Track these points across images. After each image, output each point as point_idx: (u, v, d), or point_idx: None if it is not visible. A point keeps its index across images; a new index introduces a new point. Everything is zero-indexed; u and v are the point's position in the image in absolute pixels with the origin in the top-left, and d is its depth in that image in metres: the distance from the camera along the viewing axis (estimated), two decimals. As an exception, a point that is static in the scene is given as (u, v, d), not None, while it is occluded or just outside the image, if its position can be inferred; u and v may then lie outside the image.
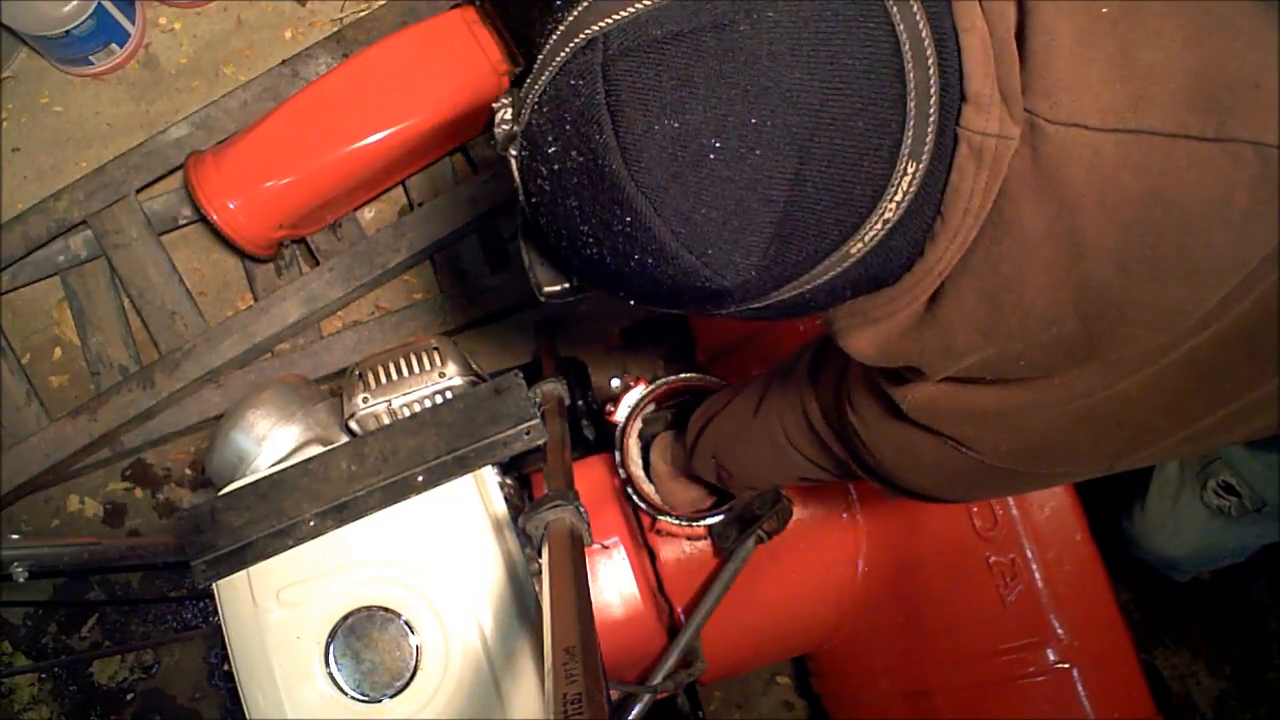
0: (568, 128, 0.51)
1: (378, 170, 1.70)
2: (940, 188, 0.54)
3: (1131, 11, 0.51)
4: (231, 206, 1.63)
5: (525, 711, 1.03)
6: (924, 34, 0.50)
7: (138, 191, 1.78)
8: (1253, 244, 0.52)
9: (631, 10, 0.49)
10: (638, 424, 1.44)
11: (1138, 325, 0.57)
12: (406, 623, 1.06)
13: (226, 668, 1.10)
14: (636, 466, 1.42)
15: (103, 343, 1.84)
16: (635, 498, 1.40)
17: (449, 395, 1.16)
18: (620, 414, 1.44)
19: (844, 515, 1.41)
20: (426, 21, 1.69)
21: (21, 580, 1.13)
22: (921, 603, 1.37)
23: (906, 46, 0.49)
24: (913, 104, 0.50)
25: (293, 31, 1.95)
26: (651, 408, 1.46)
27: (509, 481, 1.22)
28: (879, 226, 0.54)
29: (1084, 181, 0.51)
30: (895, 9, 0.49)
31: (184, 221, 1.85)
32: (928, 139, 0.52)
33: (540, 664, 1.00)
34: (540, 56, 0.53)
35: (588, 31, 0.50)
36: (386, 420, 1.16)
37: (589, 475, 1.45)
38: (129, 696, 1.98)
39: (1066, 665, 1.24)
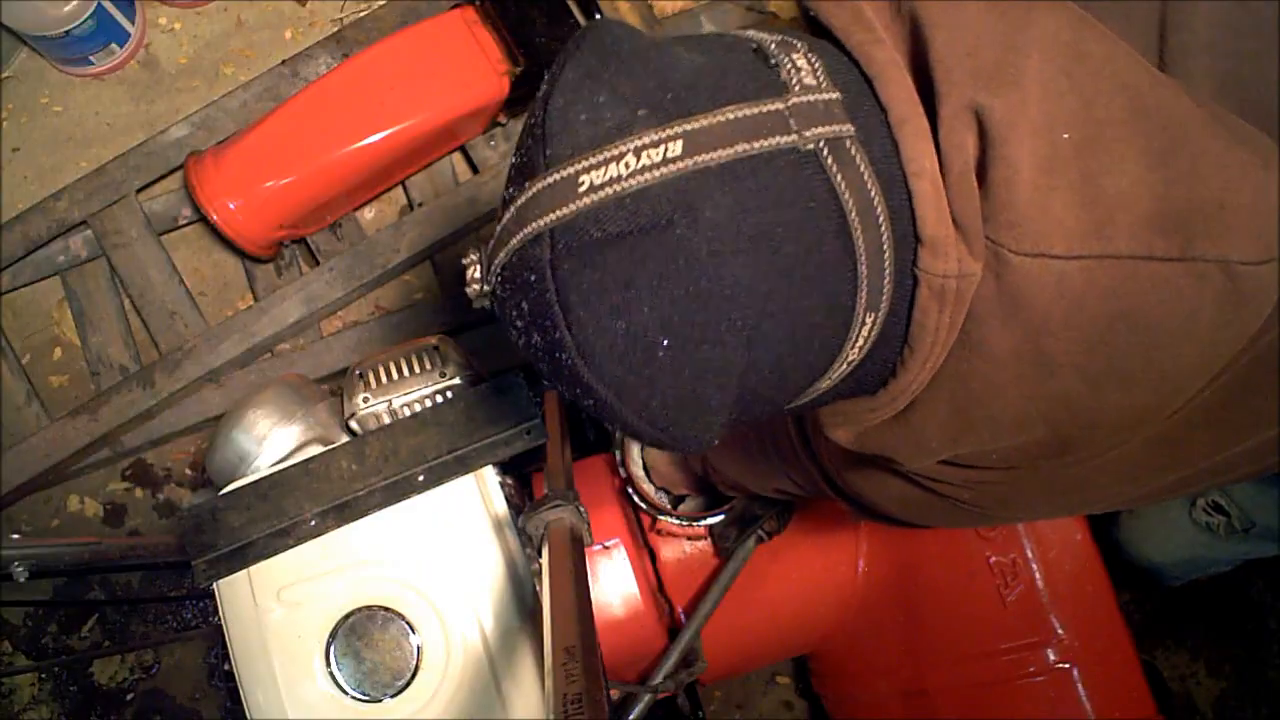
0: (527, 314, 0.51)
1: (378, 170, 1.70)
2: (905, 323, 0.54)
3: (1092, 137, 0.50)
4: (231, 206, 1.63)
5: (526, 711, 1.03)
6: (873, 193, 0.50)
7: (138, 191, 1.78)
8: (1220, 351, 0.53)
9: (571, 209, 0.48)
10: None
11: (1106, 430, 0.58)
12: (407, 622, 1.06)
13: (227, 668, 1.10)
14: (637, 466, 1.42)
15: (103, 343, 1.84)
16: (635, 498, 1.40)
17: (450, 395, 1.16)
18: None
19: (845, 515, 1.41)
20: (426, 21, 1.69)
21: (21, 580, 1.13)
22: (922, 603, 1.37)
23: (854, 214, 0.49)
24: (864, 266, 0.50)
25: (293, 31, 1.95)
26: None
27: (509, 481, 1.22)
28: (844, 368, 0.55)
29: (1051, 306, 0.51)
30: (840, 178, 0.49)
31: (184, 221, 1.85)
32: (884, 289, 0.52)
33: (540, 664, 1.00)
34: (499, 228, 0.53)
35: (534, 225, 0.49)
36: (387, 420, 1.16)
37: (589, 475, 1.45)
38: (129, 696, 1.97)
39: (1067, 665, 1.25)
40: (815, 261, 0.49)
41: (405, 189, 1.85)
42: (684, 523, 1.38)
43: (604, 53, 0.51)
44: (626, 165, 0.47)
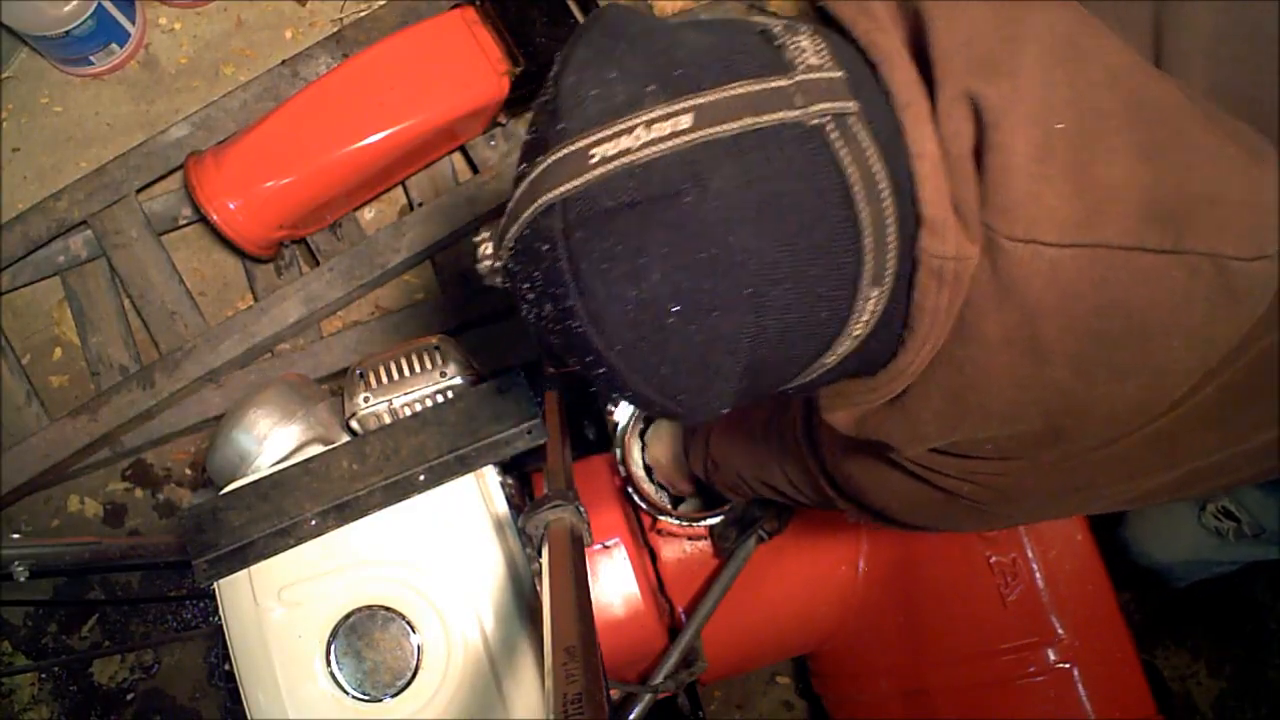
0: (539, 283, 0.53)
1: (378, 170, 1.70)
2: (906, 301, 0.55)
3: (1087, 128, 0.51)
4: (231, 206, 1.63)
5: (526, 711, 1.03)
6: (876, 169, 0.51)
7: (138, 191, 1.78)
8: (1212, 346, 0.54)
9: (583, 180, 0.49)
10: (638, 424, 1.44)
11: (1099, 422, 0.59)
12: (408, 622, 1.06)
13: (227, 667, 1.10)
14: (637, 466, 1.42)
15: (103, 343, 1.84)
16: (635, 498, 1.40)
17: (450, 394, 1.16)
18: (620, 414, 1.44)
19: (845, 516, 1.41)
20: (426, 21, 1.69)
21: (21, 580, 1.13)
22: (922, 602, 1.37)
23: (857, 187, 0.50)
24: (869, 240, 0.51)
25: (293, 31, 1.95)
26: (652, 408, 1.45)
27: (510, 481, 1.22)
28: (849, 343, 0.56)
29: (1043, 293, 0.52)
30: (845, 151, 0.50)
31: (184, 221, 1.85)
32: (888, 265, 0.53)
33: (541, 663, 1.00)
34: (511, 203, 0.55)
35: (546, 196, 0.51)
36: (388, 419, 1.16)
37: (589, 475, 1.45)
38: (129, 696, 1.97)
39: (1067, 665, 1.25)
40: (821, 231, 0.50)
41: (405, 189, 1.85)
42: (684, 523, 1.38)
43: (615, 32, 0.53)
44: (637, 137, 0.48)
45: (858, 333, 0.55)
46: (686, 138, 0.48)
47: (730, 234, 0.48)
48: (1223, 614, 1.88)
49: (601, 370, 0.53)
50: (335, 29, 1.85)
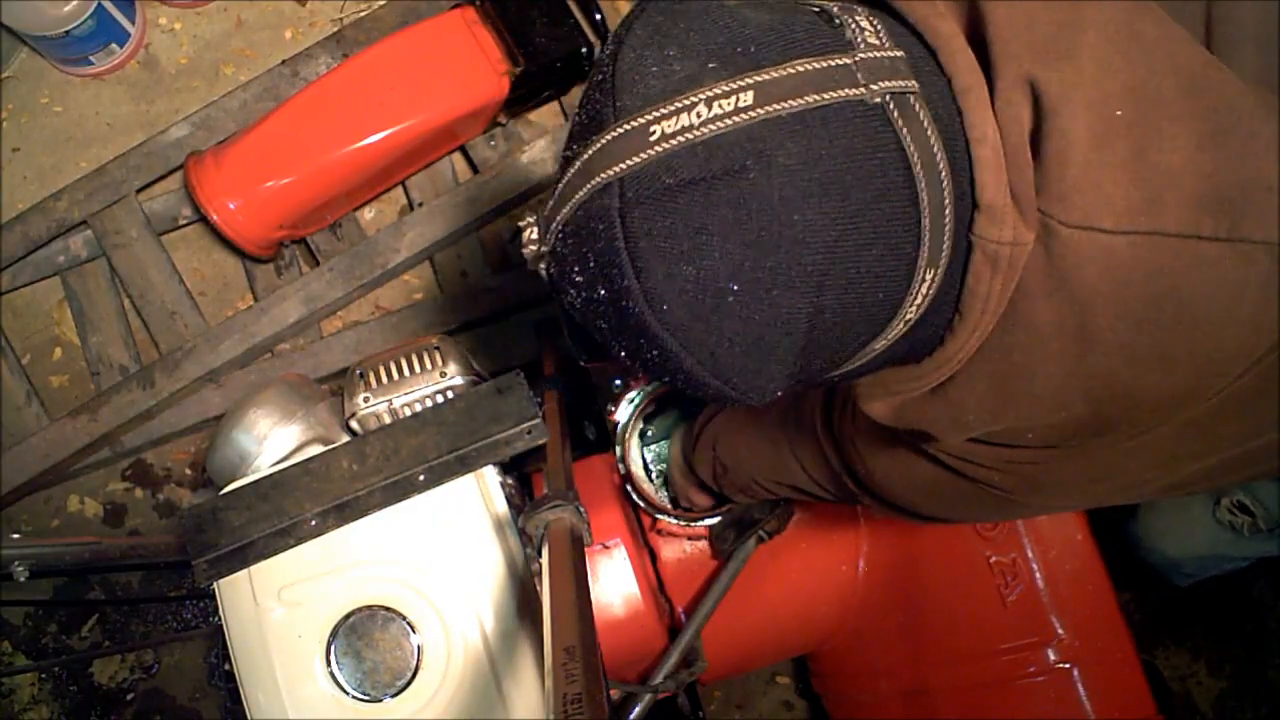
0: (591, 265, 0.52)
1: (378, 170, 1.70)
2: (958, 287, 0.55)
3: (1146, 115, 0.51)
4: (231, 206, 1.63)
5: (526, 711, 1.03)
6: (936, 150, 0.51)
7: (138, 191, 1.78)
8: (1261, 336, 0.53)
9: (642, 157, 0.49)
10: (638, 424, 1.44)
11: (1145, 410, 0.58)
12: (408, 622, 1.06)
13: (227, 668, 1.10)
14: (637, 466, 1.42)
15: (103, 343, 1.84)
16: (635, 497, 1.40)
17: (450, 394, 1.16)
18: (620, 414, 1.44)
19: (846, 515, 1.41)
20: (426, 21, 1.69)
21: (21, 580, 1.13)
22: (922, 602, 1.37)
23: (919, 168, 0.50)
24: (927, 220, 0.51)
25: (293, 31, 1.95)
26: (652, 408, 1.46)
27: (510, 481, 1.22)
28: (900, 327, 0.55)
29: (1097, 281, 0.52)
30: (906, 131, 0.50)
31: (184, 221, 1.85)
32: (945, 246, 0.53)
33: (541, 663, 1.00)
34: (560, 186, 0.54)
35: (603, 175, 0.50)
36: (388, 419, 1.16)
37: (589, 475, 1.45)
38: (129, 696, 1.97)
39: (1067, 665, 1.25)
40: (882, 211, 0.50)
41: (405, 189, 1.85)
42: (684, 523, 1.38)
43: (671, 10, 0.52)
44: (698, 115, 0.48)
45: (910, 316, 0.55)
46: (749, 115, 0.48)
47: (794, 211, 0.48)
48: (1223, 614, 1.88)
49: (654, 353, 0.52)
50: (335, 29, 1.85)
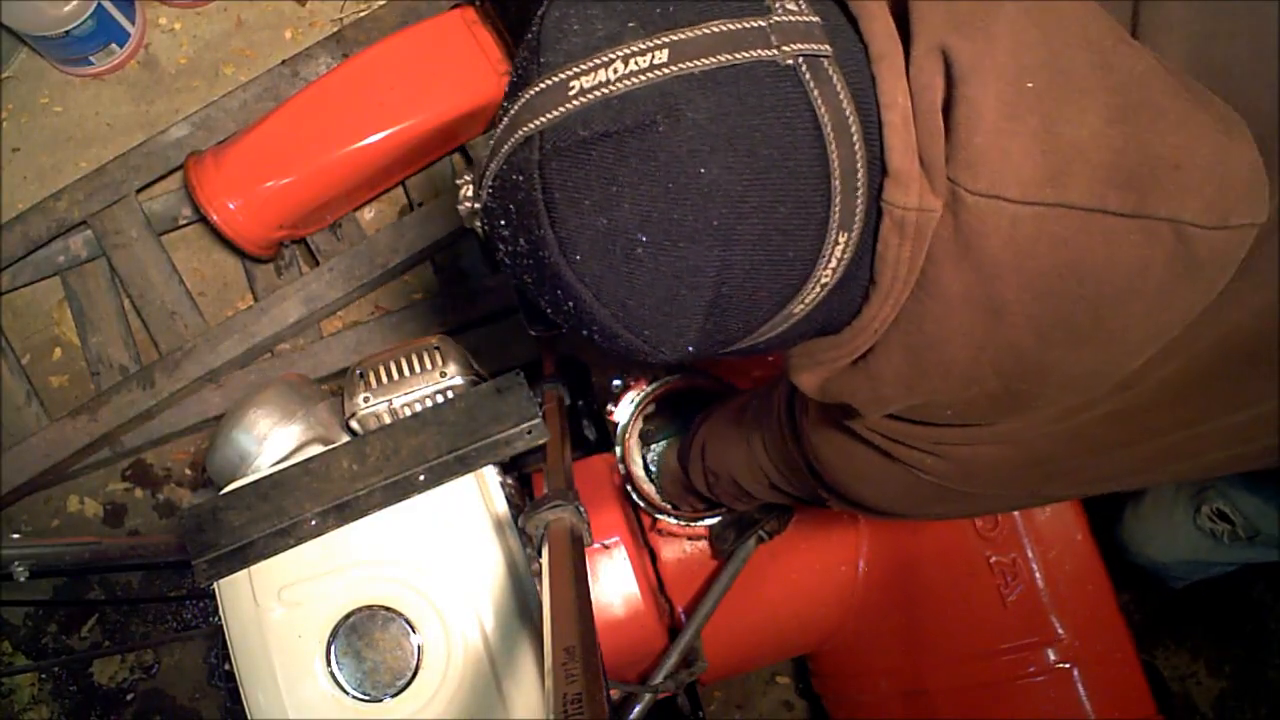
0: (514, 217, 0.54)
1: (378, 170, 1.70)
2: (871, 253, 0.56)
3: (1056, 87, 0.51)
4: (231, 207, 1.63)
5: (526, 711, 1.03)
6: (849, 113, 0.52)
7: (138, 191, 1.78)
8: (1169, 316, 0.54)
9: (560, 111, 0.51)
10: (638, 424, 1.44)
11: (1056, 387, 0.59)
12: (408, 622, 1.06)
13: (227, 668, 1.10)
14: (637, 466, 1.42)
15: (103, 343, 1.84)
16: (635, 497, 1.40)
17: (450, 394, 1.16)
18: (620, 414, 1.44)
19: (845, 515, 1.41)
20: (426, 21, 1.69)
21: (21, 580, 1.13)
22: (922, 602, 1.37)
23: (829, 129, 0.51)
24: (838, 181, 0.52)
25: (293, 31, 1.95)
26: (652, 408, 1.46)
27: (510, 481, 1.22)
28: (817, 290, 0.56)
29: (1002, 250, 0.52)
30: (817, 92, 0.51)
31: (184, 221, 1.85)
32: (857, 212, 0.54)
33: (541, 663, 1.00)
34: (493, 140, 0.56)
35: (525, 129, 0.52)
36: (388, 419, 1.16)
37: (589, 475, 1.45)
38: (129, 696, 1.98)
39: (1067, 665, 1.25)
40: (790, 168, 0.51)
41: (405, 189, 1.85)
42: (684, 522, 1.38)
43: None
44: (615, 71, 0.50)
45: (826, 280, 0.55)
46: (663, 71, 0.49)
47: (700, 165, 0.49)
48: (1223, 614, 1.88)
49: (570, 304, 0.54)
50: (335, 29, 1.85)
